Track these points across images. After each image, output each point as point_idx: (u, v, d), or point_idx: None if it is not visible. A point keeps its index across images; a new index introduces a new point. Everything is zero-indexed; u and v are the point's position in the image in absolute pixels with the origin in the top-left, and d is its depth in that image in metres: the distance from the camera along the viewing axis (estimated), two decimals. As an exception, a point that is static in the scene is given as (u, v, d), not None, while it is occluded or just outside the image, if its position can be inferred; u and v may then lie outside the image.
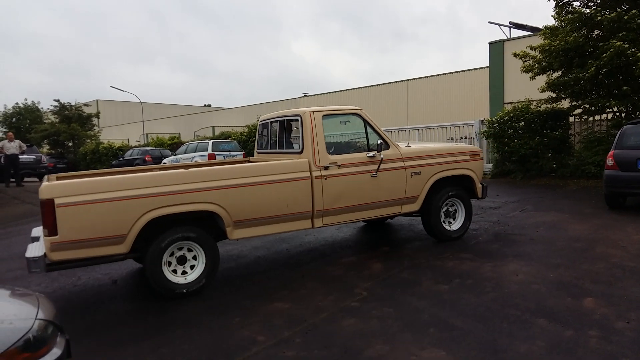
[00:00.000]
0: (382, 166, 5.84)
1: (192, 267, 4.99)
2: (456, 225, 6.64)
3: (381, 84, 31.37)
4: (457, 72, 27.18)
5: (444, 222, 6.55)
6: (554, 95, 12.39)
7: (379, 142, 5.76)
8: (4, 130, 37.91)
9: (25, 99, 49.33)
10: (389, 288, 4.88)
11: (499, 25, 20.57)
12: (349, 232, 7.71)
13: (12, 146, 16.02)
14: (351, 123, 6.11)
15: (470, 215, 6.73)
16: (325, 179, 5.50)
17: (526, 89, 14.19)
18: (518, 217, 8.11)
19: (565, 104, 12.55)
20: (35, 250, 4.64)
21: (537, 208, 8.81)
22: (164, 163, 20.16)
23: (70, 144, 31.42)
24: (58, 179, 5.61)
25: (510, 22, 20.35)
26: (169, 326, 4.20)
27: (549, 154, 12.54)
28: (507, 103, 16.49)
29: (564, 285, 4.69)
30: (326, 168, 5.53)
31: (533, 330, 3.72)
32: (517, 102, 13.87)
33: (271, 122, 6.64)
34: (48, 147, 32.53)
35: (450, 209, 6.63)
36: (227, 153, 18.33)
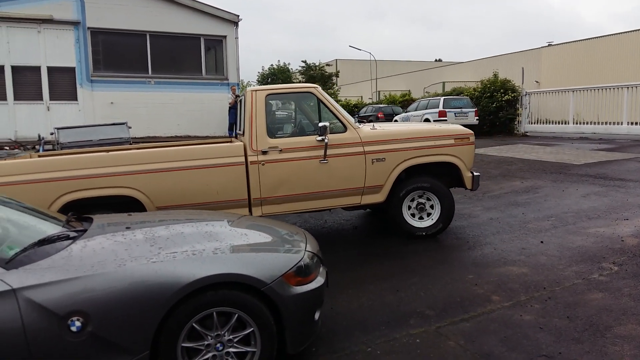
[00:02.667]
0: (335, 151, 5.14)
1: None
2: (429, 220, 5.58)
3: (649, 28, 26.15)
4: None
5: (412, 215, 5.58)
6: None
7: (321, 124, 5.01)
8: (262, 89, 43.77)
9: (278, 60, 55.79)
10: (647, 267, 4.32)
11: None
12: (597, 200, 6.93)
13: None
14: (312, 103, 5.45)
15: (448, 211, 5.56)
16: (263, 164, 4.98)
17: None
18: None
19: None
20: None
21: None
22: (395, 120, 20.82)
23: (313, 101, 34.73)
24: (39, 156, 5.58)
25: None
26: (405, 273, 4.52)
27: None
28: None
29: None
30: (264, 153, 5.00)
31: None
32: None
33: (240, 100, 5.91)
34: (295, 103, 36.53)
35: (424, 202, 5.58)
36: (459, 110, 17.95)
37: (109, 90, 15.07)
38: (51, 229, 2.86)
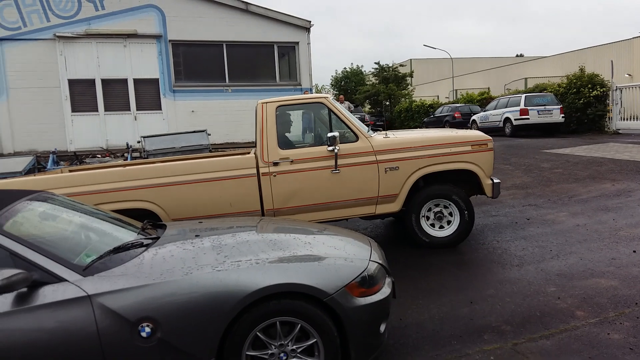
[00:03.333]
0: (347, 161, 5.08)
1: None
2: (448, 230, 5.41)
3: None
4: None
5: (432, 225, 5.44)
6: None
7: (330, 134, 4.93)
8: (335, 92, 44.11)
9: (352, 63, 55.97)
10: None
11: None
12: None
13: (343, 107, 18.55)
14: (323, 113, 5.36)
15: (468, 220, 5.37)
16: (275, 175, 4.98)
17: None
18: None
19: None
20: None
21: None
22: (473, 120, 20.10)
23: (387, 103, 34.45)
24: (70, 171, 5.74)
25: None
26: (479, 284, 4.30)
27: None
28: None
29: None
30: (276, 164, 4.98)
31: None
32: None
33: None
34: (369, 106, 36.44)
35: (443, 211, 5.42)
36: (542, 108, 16.97)
37: (189, 99, 15.81)
38: (127, 236, 3.00)
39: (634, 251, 4.80)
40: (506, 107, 18.11)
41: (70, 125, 14.77)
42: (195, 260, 2.62)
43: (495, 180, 5.51)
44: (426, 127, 24.64)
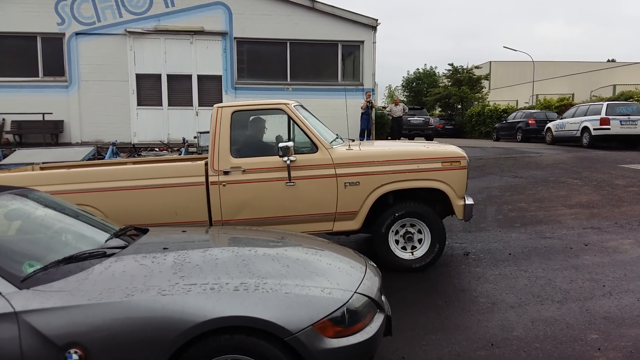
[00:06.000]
0: (304, 173, 4.73)
1: None
2: (419, 251, 4.96)
3: None
4: None
5: (403, 248, 4.99)
6: None
7: (281, 144, 4.55)
8: (406, 94, 43.06)
9: (425, 64, 54.54)
10: None
11: None
12: None
13: (397, 110, 17.91)
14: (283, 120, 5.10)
15: (440, 239, 4.92)
16: (224, 185, 4.67)
17: None
18: None
19: None
20: None
21: None
22: (548, 128, 18.70)
23: (459, 106, 33.05)
24: (41, 169, 5.63)
25: None
26: (505, 320, 3.72)
27: None
28: None
29: None
30: (226, 173, 4.66)
31: None
32: None
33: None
34: (439, 109, 35.16)
35: (411, 230, 4.96)
36: (626, 117, 15.40)
37: (250, 96, 15.80)
38: (95, 242, 2.79)
39: None
40: (585, 115, 16.62)
41: (135, 118, 15.29)
42: (145, 280, 2.33)
43: (467, 202, 5.00)
44: (497, 133, 23.36)
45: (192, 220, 4.66)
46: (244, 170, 4.73)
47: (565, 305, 3.97)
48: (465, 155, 5.08)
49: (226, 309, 2.21)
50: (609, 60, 56.65)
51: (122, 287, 2.26)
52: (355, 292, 2.54)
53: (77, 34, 14.81)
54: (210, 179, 4.70)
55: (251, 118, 5.18)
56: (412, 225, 4.98)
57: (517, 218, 6.95)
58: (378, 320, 2.61)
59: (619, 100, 17.53)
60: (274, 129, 5.46)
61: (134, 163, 5.78)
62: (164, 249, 2.77)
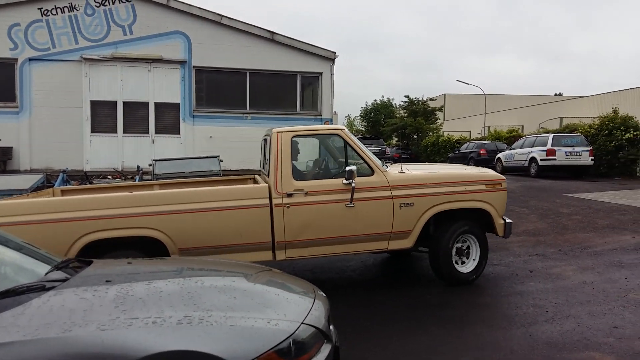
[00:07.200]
0: (362, 195, 4.96)
1: None
2: (470, 266, 5.39)
3: None
4: None
5: (456, 262, 5.35)
6: None
7: (348, 168, 4.80)
8: (364, 124, 43.87)
9: (382, 95, 55.87)
10: None
11: None
12: None
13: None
14: (332, 144, 5.45)
15: (485, 254, 5.42)
16: (288, 207, 4.82)
17: None
18: None
19: None
20: None
21: None
22: (498, 158, 19.42)
23: (415, 136, 33.93)
24: (62, 192, 5.71)
25: None
26: (454, 346, 3.80)
27: None
28: None
29: None
30: (289, 195, 4.84)
31: None
32: None
33: (264, 139, 5.79)
34: (396, 139, 36.00)
35: (462, 246, 5.40)
36: (570, 149, 16.22)
37: (208, 124, 15.79)
38: (34, 275, 2.70)
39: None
40: (533, 146, 17.41)
41: (88, 145, 14.91)
42: (85, 314, 2.27)
43: (507, 220, 5.49)
44: (451, 163, 24.03)
45: (256, 241, 4.77)
46: (306, 193, 4.90)
47: (510, 331, 4.10)
48: (504, 178, 5.60)
49: (168, 343, 2.18)
50: (556, 94, 59.72)
51: (60, 322, 2.20)
52: (302, 323, 2.55)
53: (30, 59, 14.44)
54: (274, 201, 4.83)
55: (305, 142, 5.51)
56: (463, 242, 5.39)
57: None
58: (325, 350, 2.62)
59: (565, 133, 18.42)
60: (312, 153, 5.80)
61: (191, 185, 5.98)
62: (107, 281, 2.71)
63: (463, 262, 5.40)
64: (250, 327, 2.40)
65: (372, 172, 5.09)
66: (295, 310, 2.68)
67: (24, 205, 4.41)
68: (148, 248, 4.51)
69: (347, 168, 4.82)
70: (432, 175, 5.32)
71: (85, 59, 14.76)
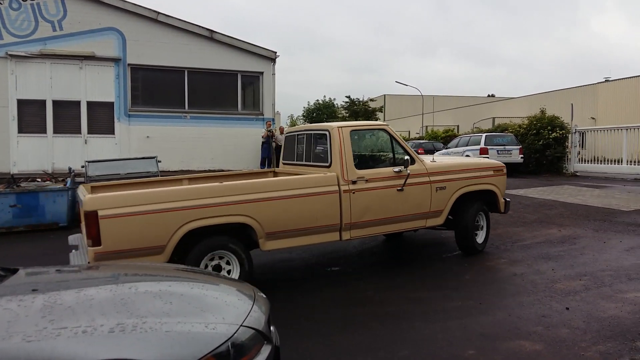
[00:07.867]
0: (409, 181, 5.74)
1: (228, 272, 4.92)
2: (480, 238, 6.56)
3: None
4: None
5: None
6: None
7: (406, 157, 5.69)
8: (307, 124, 43.99)
9: (324, 95, 56.25)
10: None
11: None
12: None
13: (281, 138, 18.24)
14: (376, 137, 6.27)
15: (489, 228, 6.70)
16: (353, 193, 5.44)
17: None
18: None
19: None
20: (78, 259, 4.84)
21: None
22: (433, 157, 20.06)
23: (356, 136, 34.46)
24: (92, 189, 5.87)
25: None
26: (394, 340, 3.89)
27: None
28: None
29: None
30: (354, 182, 5.46)
31: None
32: None
33: (297, 136, 6.66)
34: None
35: (476, 223, 6.50)
36: (502, 147, 17.03)
37: (145, 124, 15.28)
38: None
39: (567, 308, 4.48)
40: (467, 145, 18.14)
41: (15, 146, 14.05)
42: (9, 326, 2.14)
43: (507, 199, 6.69)
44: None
45: (327, 223, 5.31)
46: (366, 180, 5.54)
47: (446, 323, 4.24)
48: (504, 165, 6.81)
49: (99, 352, 2.09)
50: (489, 95, 62.41)
51: (-20, 335, 2.06)
52: (241, 325, 2.52)
53: (-52, 55, 13.44)
54: (342, 187, 5.41)
55: (360, 136, 6.09)
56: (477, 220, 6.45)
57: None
58: (265, 352, 2.61)
59: (496, 132, 19.29)
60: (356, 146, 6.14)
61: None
62: (33, 290, 2.57)
63: (476, 235, 6.43)
64: (187, 332, 2.35)
65: (414, 162, 5.85)
66: (234, 312, 2.65)
67: (134, 196, 4.66)
68: (234, 234, 4.97)
69: (406, 157, 5.66)
70: (457, 164, 6.42)
71: (11, 55, 13.90)
